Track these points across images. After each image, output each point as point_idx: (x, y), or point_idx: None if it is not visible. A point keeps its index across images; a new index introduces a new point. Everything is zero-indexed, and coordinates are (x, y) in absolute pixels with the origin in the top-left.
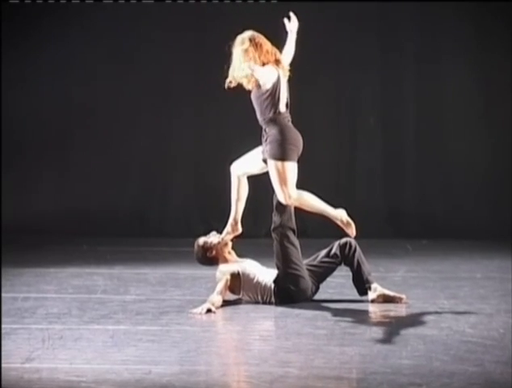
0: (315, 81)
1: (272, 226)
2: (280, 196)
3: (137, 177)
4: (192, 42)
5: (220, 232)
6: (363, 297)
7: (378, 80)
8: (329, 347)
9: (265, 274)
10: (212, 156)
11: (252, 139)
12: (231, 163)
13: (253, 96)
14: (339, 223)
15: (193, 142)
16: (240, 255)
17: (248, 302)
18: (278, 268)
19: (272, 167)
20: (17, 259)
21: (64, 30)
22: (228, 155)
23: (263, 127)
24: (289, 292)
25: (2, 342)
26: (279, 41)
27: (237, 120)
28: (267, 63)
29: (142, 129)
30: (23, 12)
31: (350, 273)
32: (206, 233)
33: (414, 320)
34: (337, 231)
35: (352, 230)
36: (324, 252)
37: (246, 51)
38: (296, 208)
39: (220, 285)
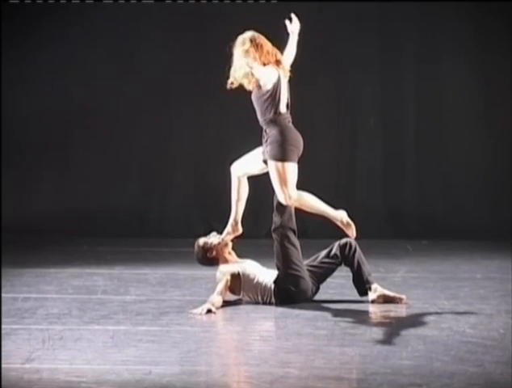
0: (315, 81)
1: (272, 227)
2: (280, 196)
3: (137, 177)
4: (192, 42)
5: (220, 232)
6: (363, 298)
7: (378, 80)
8: (329, 348)
9: (265, 274)
10: (212, 156)
11: (252, 139)
12: (231, 164)
13: (253, 97)
14: (339, 224)
15: (193, 142)
16: (240, 255)
17: (248, 303)
18: (278, 269)
19: (272, 168)
20: (17, 260)
21: (64, 30)
22: (229, 155)
23: (264, 127)
24: (289, 292)
25: (2, 342)
26: (279, 41)
27: (237, 121)
28: (268, 63)
29: (142, 129)
30: (23, 12)
31: (351, 274)
32: (206, 233)
33: (414, 320)
34: (338, 232)
35: (352, 231)
36: (324, 253)
37: (247, 51)
38: (297, 209)
39: (221, 286)
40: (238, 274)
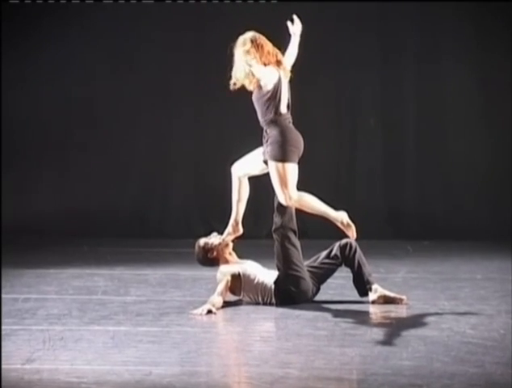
0: (315, 81)
1: (273, 227)
2: (281, 197)
3: (138, 177)
4: (192, 42)
5: (220, 233)
6: (364, 298)
7: (378, 80)
8: (329, 349)
9: (265, 275)
10: (213, 156)
11: (253, 140)
12: (232, 164)
13: (254, 97)
14: (340, 225)
15: (193, 143)
16: (240, 256)
17: (248, 303)
18: (278, 269)
19: (273, 169)
20: (17, 260)
21: (64, 30)
22: (229, 156)
23: (264, 128)
24: (290, 293)
25: (3, 343)
26: (279, 42)
27: (237, 121)
28: (269, 64)
29: (142, 129)
30: (23, 12)
31: (351, 274)
32: (207, 234)
33: (415, 321)
34: (338, 232)
35: (352, 232)
36: (324, 253)
37: (248, 52)
38: (297, 210)
39: (221, 286)
40: (239, 275)
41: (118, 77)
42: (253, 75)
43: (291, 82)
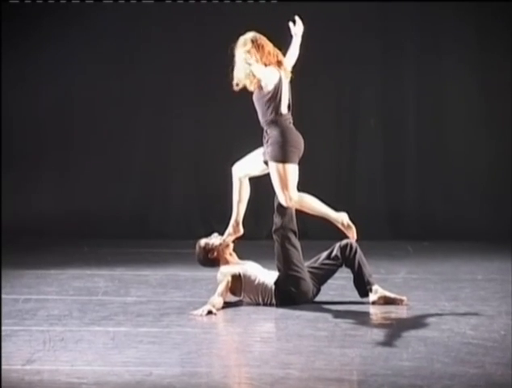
0: (315, 81)
1: (273, 228)
2: (281, 198)
3: (138, 178)
4: (192, 42)
5: (221, 233)
6: (364, 299)
7: (378, 81)
8: (329, 349)
9: (266, 276)
10: (213, 157)
11: (253, 140)
12: (232, 165)
13: (255, 97)
14: (340, 226)
15: (193, 143)
16: (241, 256)
17: (249, 304)
18: (279, 270)
19: (273, 169)
20: (17, 261)
21: (64, 30)
22: (229, 157)
23: (264, 128)
24: (290, 294)
25: (3, 344)
26: (279, 42)
27: (237, 122)
28: (269, 64)
29: (142, 130)
30: (23, 12)
31: (351, 275)
32: (207, 234)
33: (415, 322)
34: (338, 233)
35: (353, 233)
36: (325, 254)
37: (248, 52)
38: (297, 210)
39: (221, 287)
40: (239, 275)
41: (118, 77)
42: (253, 75)
43: (291, 82)
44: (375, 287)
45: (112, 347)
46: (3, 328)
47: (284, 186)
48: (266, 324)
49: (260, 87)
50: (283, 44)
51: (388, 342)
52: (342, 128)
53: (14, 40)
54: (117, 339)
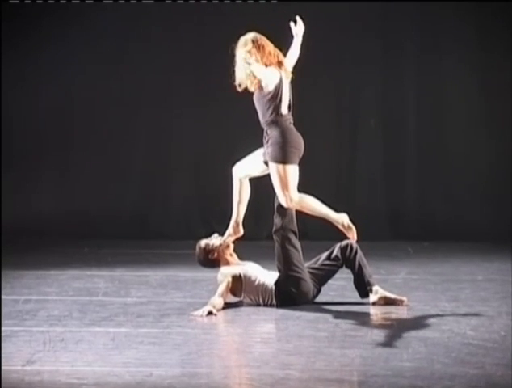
0: (315, 82)
1: (273, 229)
2: (282, 199)
3: (138, 179)
4: (192, 42)
5: (221, 234)
6: (365, 300)
7: (378, 81)
8: (330, 350)
9: (266, 276)
10: (213, 158)
11: (253, 141)
12: (232, 165)
13: (255, 98)
14: (340, 227)
15: (194, 144)
16: (241, 257)
17: (249, 305)
18: (279, 271)
19: (273, 170)
20: (17, 262)
21: (64, 30)
22: (230, 157)
23: (265, 129)
24: (290, 294)
25: (3, 344)
26: (279, 42)
27: (238, 122)
28: (270, 65)
29: (143, 130)
30: (23, 12)
31: (352, 276)
32: (207, 235)
33: (415, 322)
34: (339, 234)
35: (353, 234)
36: (325, 255)
37: (249, 53)
38: (298, 211)
39: (222, 288)
40: (239, 276)
41: (118, 77)
42: (254, 76)
43: (292, 82)
44: (375, 288)
45: (112, 347)
46: (3, 329)
47: (285, 186)
48: (267, 325)
49: (260, 87)
50: (283, 44)
51: (388, 342)
52: (342, 128)
53: (14, 40)
54: (117, 340)
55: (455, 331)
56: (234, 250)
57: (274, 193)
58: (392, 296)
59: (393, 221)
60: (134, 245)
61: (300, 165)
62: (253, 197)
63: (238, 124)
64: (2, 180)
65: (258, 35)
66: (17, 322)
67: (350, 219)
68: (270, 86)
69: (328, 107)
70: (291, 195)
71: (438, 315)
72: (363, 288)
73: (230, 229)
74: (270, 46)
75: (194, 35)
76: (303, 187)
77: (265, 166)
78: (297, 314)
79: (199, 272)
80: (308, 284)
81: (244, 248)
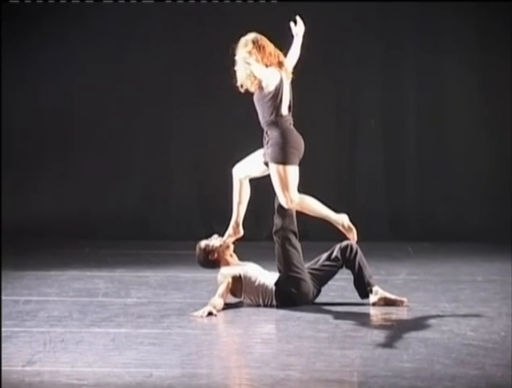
0: (315, 82)
1: (274, 229)
2: (282, 200)
3: (138, 179)
4: (192, 42)
5: (221, 235)
6: (365, 300)
7: (378, 81)
8: (330, 351)
9: (266, 277)
10: (213, 158)
11: (253, 141)
12: (233, 166)
13: (255, 98)
14: (340, 228)
15: (194, 144)
16: (241, 257)
17: (249, 305)
18: (279, 271)
19: (274, 171)
20: (18, 262)
21: (64, 30)
22: (230, 157)
23: (265, 129)
24: (290, 295)
25: (3, 345)
26: (279, 42)
27: (238, 123)
28: (270, 65)
29: (143, 131)
30: (23, 12)
31: (352, 276)
32: (207, 236)
33: (415, 323)
34: (339, 234)
35: (353, 235)
36: (325, 255)
37: (249, 53)
38: (298, 212)
39: (222, 288)
40: (240, 276)
41: (118, 77)
42: (254, 76)
43: (292, 83)
44: (375, 288)
45: (113, 348)
46: (3, 329)
47: (285, 187)
48: (267, 325)
49: (261, 88)
50: (283, 44)
51: (388, 343)
52: (342, 128)
53: (14, 40)
54: (117, 341)
55: (456, 332)
56: (234, 251)
57: (274, 194)
58: (392, 296)
59: (393, 221)
60: (134, 245)
61: (300, 165)
62: (254, 198)
63: (238, 125)
64: (2, 180)
65: (259, 36)
66: (17, 323)
67: (350, 220)
68: (270, 87)
69: (328, 107)
70: (291, 196)
71: (438, 316)
72: (363, 288)
73: (230, 230)
74: (270, 46)
75: (194, 35)
76: (303, 188)
77: (265, 166)
78: (297, 314)
79: (200, 272)
80: (309, 284)
81: (244, 249)
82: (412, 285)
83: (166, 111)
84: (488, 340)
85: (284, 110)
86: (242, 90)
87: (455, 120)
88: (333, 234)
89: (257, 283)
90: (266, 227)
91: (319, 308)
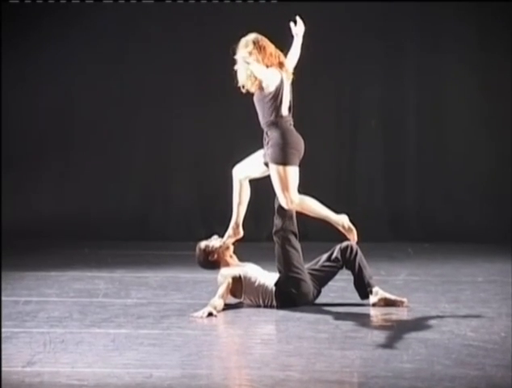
0: (315, 82)
1: (273, 230)
2: (282, 200)
3: (138, 180)
4: (192, 42)
5: (221, 235)
6: (365, 301)
7: (378, 81)
8: (330, 351)
9: (266, 277)
10: (214, 159)
11: (254, 142)
12: (233, 167)
13: (255, 99)
14: (341, 229)
15: (194, 145)
16: (241, 258)
17: (249, 306)
18: (279, 272)
19: (274, 172)
20: (18, 263)
21: (64, 30)
22: (230, 158)
23: (265, 130)
24: (290, 295)
25: (4, 346)
26: (279, 42)
27: (238, 123)
28: (271, 66)
29: (143, 131)
30: (23, 12)
31: (352, 277)
32: (207, 236)
33: (416, 324)
34: (339, 235)
35: (353, 236)
36: (325, 256)
37: (250, 53)
38: (298, 212)
39: (222, 289)
40: (240, 277)
41: (118, 77)
42: (254, 76)
43: (292, 83)
44: (375, 289)
45: (113, 349)
46: (3, 330)
47: (285, 188)
48: (267, 326)
49: (261, 88)
50: (283, 44)
51: (388, 344)
52: (342, 128)
53: (14, 40)
54: (117, 341)
55: (456, 333)
56: (234, 252)
57: (273, 194)
58: (393, 297)
59: (393, 222)
60: (134, 246)
61: (300, 166)
62: (254, 198)
63: (238, 125)
64: (2, 180)
65: (260, 36)
66: (17, 324)
67: (351, 220)
68: (270, 87)
69: (328, 107)
70: (291, 196)
71: (438, 316)
72: (363, 289)
73: (230, 231)
74: (271, 47)
75: (194, 35)
76: (303, 188)
77: (265, 167)
78: (297, 315)
79: (199, 273)
80: (309, 285)
81: (244, 249)
82: (412, 286)
83: (166, 111)
84: (489, 341)
85: (284, 110)
86: (244, 91)
87: (455, 120)
88: (333, 234)
89: (257, 283)
90: (266, 228)
91: (319, 309)
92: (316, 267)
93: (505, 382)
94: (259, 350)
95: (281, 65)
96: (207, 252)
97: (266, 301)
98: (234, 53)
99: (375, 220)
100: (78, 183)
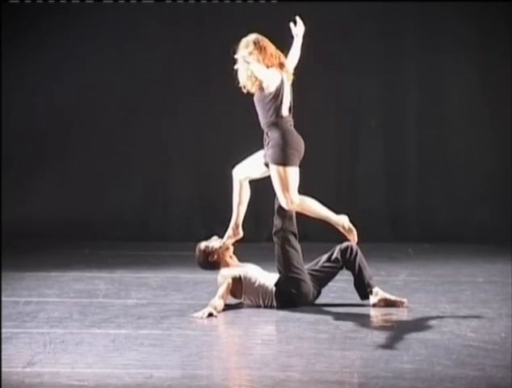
0: (315, 83)
1: (273, 230)
2: (282, 201)
3: (139, 180)
4: (192, 42)
5: (221, 236)
6: (365, 301)
7: (379, 81)
8: (330, 352)
9: (266, 278)
10: (214, 160)
11: (254, 143)
12: (233, 167)
13: (256, 99)
14: (341, 229)
15: (194, 145)
16: (241, 259)
17: (249, 306)
18: (279, 272)
19: (274, 172)
20: (18, 263)
21: (64, 30)
22: (230, 158)
23: (265, 130)
24: (291, 296)
25: (4, 346)
26: (279, 41)
27: (238, 124)
28: (271, 66)
29: (143, 132)
30: (23, 12)
31: (352, 277)
32: (207, 237)
33: (416, 324)
34: (339, 235)
35: (354, 237)
36: (325, 257)
37: (250, 54)
38: (298, 213)
39: (222, 289)
40: (240, 278)
41: (118, 77)
42: (255, 77)
43: (292, 83)
44: (375, 289)
45: (113, 349)
46: (4, 331)
47: (285, 188)
48: (267, 326)
49: (261, 89)
50: (283, 44)
51: (388, 344)
52: (342, 128)
53: (14, 40)
54: (118, 342)
55: (456, 333)
56: (234, 252)
57: (273, 195)
58: (393, 297)
59: (394, 222)
60: (134, 246)
61: (300, 167)
62: (253, 199)
63: (238, 126)
64: (2, 180)
65: (260, 37)
66: (17, 324)
67: (351, 221)
68: (271, 88)
69: (328, 107)
70: (291, 197)
71: (438, 317)
72: (364, 289)
73: (230, 231)
74: (271, 47)
75: (194, 36)
76: (303, 189)
77: (265, 168)
78: (297, 315)
79: (200, 273)
80: (309, 285)
81: (244, 250)
82: (412, 286)
83: (166, 111)
84: (489, 341)
85: (285, 111)
86: (245, 91)
87: (455, 120)
88: (334, 235)
89: (257, 284)
90: (265, 228)
91: (319, 309)
92: (316, 267)
93: (506, 383)
94: (259, 350)
95: (281, 65)
96: (207, 253)
97: (266, 302)
98: (235, 54)
99: (376, 220)
100: (78, 184)
